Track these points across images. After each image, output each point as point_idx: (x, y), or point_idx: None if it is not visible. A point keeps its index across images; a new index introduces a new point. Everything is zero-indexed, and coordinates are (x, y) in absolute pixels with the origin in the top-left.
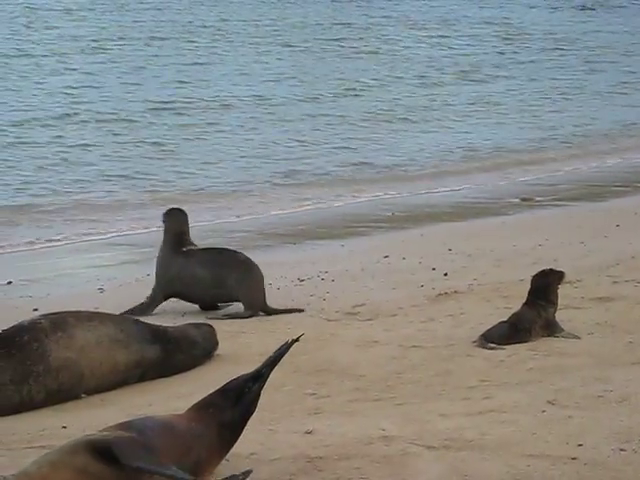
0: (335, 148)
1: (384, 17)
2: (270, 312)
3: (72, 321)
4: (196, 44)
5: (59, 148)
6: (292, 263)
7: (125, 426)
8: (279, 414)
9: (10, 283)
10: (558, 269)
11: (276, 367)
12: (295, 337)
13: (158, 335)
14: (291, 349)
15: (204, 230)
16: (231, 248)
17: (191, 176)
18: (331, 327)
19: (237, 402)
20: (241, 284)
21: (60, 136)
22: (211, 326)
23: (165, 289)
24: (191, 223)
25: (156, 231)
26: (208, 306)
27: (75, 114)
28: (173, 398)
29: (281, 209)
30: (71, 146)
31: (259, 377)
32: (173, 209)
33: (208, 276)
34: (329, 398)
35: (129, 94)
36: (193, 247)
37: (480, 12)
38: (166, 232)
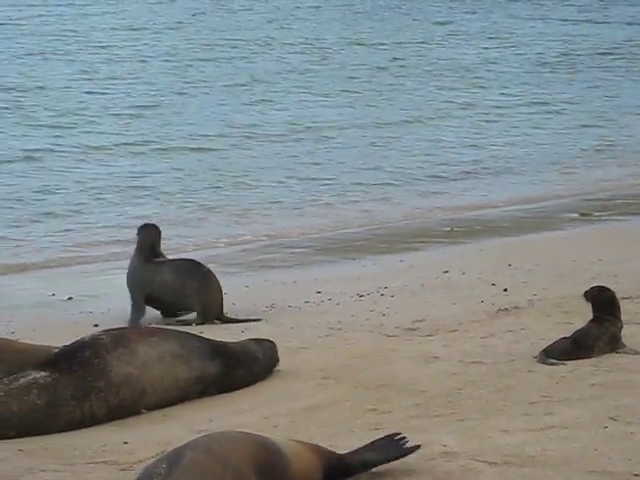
0: (393, 165)
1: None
2: (225, 321)
3: (133, 337)
4: (254, 61)
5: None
6: (352, 278)
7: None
8: (340, 429)
9: (71, 299)
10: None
11: (337, 382)
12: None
13: (219, 351)
14: (352, 365)
15: (264, 246)
16: (197, 260)
17: (251, 192)
18: (391, 343)
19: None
20: (198, 294)
21: (106, 163)
22: (272, 342)
23: (142, 291)
24: (252, 240)
25: (214, 247)
26: (170, 313)
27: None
28: (234, 414)
29: (341, 224)
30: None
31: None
32: (148, 224)
33: (175, 283)
34: (390, 414)
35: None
36: (164, 258)
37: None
38: (139, 244)
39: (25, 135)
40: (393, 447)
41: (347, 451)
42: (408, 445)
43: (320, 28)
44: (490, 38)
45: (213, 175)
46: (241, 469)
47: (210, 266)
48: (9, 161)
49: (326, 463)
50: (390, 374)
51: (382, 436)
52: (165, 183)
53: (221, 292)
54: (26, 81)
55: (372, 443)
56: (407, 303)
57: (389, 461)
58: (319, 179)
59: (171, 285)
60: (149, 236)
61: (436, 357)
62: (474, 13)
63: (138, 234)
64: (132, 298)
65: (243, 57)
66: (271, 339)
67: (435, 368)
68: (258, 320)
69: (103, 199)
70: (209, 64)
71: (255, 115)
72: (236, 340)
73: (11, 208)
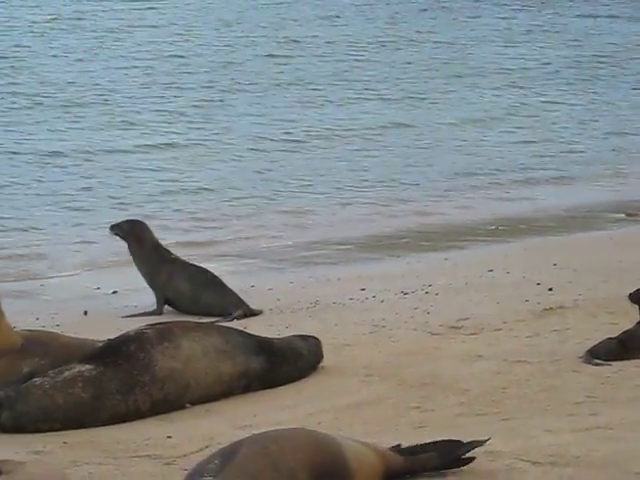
0: (440, 165)
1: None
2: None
3: (178, 331)
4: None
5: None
6: (396, 276)
7: None
8: (384, 427)
9: (115, 292)
10: None
11: (380, 379)
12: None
13: (263, 346)
14: (396, 362)
15: (311, 242)
16: (203, 267)
17: (298, 190)
18: (435, 341)
19: None
20: (217, 301)
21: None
22: (317, 338)
23: (163, 294)
24: (298, 236)
25: (259, 244)
26: None
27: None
28: (278, 410)
29: (384, 222)
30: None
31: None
32: (137, 222)
33: (188, 292)
34: (434, 412)
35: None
36: (176, 257)
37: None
38: (143, 243)
39: (74, 132)
40: (453, 457)
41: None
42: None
43: (370, 26)
44: (540, 36)
45: (261, 174)
46: (295, 472)
47: (255, 262)
48: (59, 157)
49: (391, 470)
50: (434, 372)
51: (444, 440)
52: (211, 181)
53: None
54: (77, 78)
55: (434, 444)
56: (451, 301)
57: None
58: (367, 179)
59: (184, 293)
60: (149, 234)
61: (480, 356)
62: (524, 11)
63: (133, 232)
64: (156, 298)
65: (289, 56)
66: (315, 335)
67: (479, 367)
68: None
69: (152, 196)
70: (259, 62)
71: (304, 115)
72: (281, 336)
73: (57, 204)
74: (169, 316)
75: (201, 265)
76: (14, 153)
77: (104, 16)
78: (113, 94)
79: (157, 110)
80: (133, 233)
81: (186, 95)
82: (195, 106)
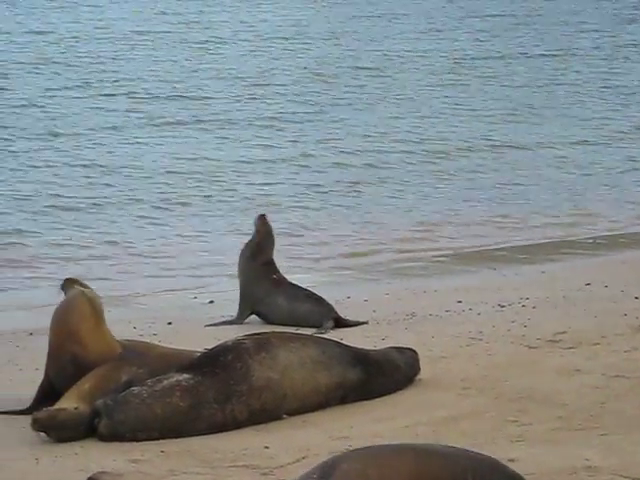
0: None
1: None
2: (342, 324)
3: (275, 342)
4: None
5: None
6: (493, 288)
7: None
8: (482, 440)
9: (212, 302)
10: None
11: (478, 392)
12: None
13: (360, 358)
14: (493, 375)
15: (407, 254)
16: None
17: (394, 203)
18: (532, 354)
19: None
20: (318, 310)
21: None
22: (414, 351)
23: (250, 307)
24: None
25: (356, 255)
26: None
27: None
28: (374, 421)
29: (480, 233)
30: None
31: None
32: (268, 232)
33: (286, 308)
34: (531, 426)
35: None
36: (281, 277)
37: None
38: (259, 252)
39: (174, 147)
40: None
41: None
42: None
43: (470, 39)
44: None
45: (357, 184)
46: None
47: (351, 273)
48: (157, 174)
49: None
50: (531, 386)
51: None
52: (308, 194)
53: (329, 304)
54: (171, 91)
55: None
56: (549, 315)
57: None
58: (474, 197)
59: (282, 308)
60: (270, 248)
61: (578, 370)
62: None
63: (262, 240)
64: (239, 307)
65: (383, 68)
66: (412, 347)
67: (577, 381)
68: (365, 323)
69: (250, 210)
70: (354, 75)
71: (406, 131)
72: (377, 348)
73: (154, 219)
74: (255, 326)
75: (300, 285)
76: (118, 172)
77: (195, 28)
78: (210, 107)
79: (253, 124)
80: (257, 238)
81: (279, 109)
82: (289, 121)
